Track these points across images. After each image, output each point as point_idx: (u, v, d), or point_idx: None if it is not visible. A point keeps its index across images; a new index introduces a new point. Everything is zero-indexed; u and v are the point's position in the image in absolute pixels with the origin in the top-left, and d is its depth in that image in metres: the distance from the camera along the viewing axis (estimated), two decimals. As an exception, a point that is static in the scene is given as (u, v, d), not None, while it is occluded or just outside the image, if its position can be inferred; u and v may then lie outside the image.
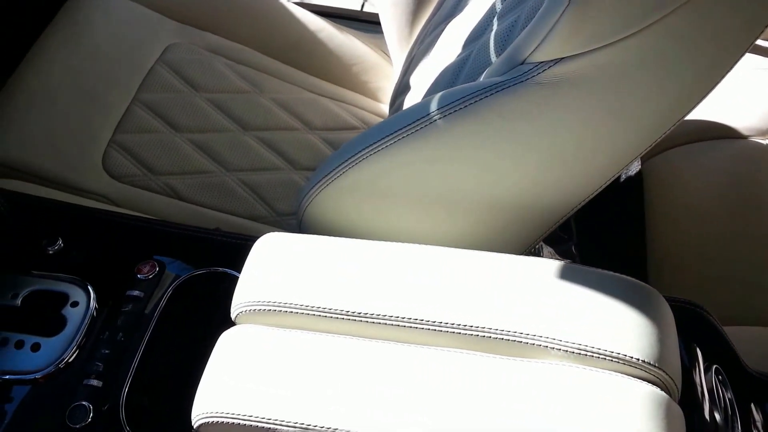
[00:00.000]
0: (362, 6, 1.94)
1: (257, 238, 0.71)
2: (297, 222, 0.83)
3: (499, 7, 0.87)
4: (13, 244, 0.89)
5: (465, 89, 0.68)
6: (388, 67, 1.30)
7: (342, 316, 0.63)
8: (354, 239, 0.69)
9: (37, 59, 1.16)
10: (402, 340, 0.62)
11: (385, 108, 1.28)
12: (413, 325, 0.61)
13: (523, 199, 0.76)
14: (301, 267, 0.67)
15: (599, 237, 1.22)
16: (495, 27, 0.84)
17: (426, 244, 0.68)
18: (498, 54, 0.80)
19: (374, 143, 0.71)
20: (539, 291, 0.62)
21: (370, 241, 0.69)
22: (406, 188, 0.75)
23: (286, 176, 1.12)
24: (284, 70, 1.26)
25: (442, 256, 0.67)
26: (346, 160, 0.73)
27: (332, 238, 0.70)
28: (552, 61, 0.63)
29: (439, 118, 0.68)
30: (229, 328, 0.66)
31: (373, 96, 1.29)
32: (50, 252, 0.87)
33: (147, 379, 0.77)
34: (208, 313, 0.82)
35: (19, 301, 0.82)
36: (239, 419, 0.59)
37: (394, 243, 0.68)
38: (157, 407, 0.77)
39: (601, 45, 0.61)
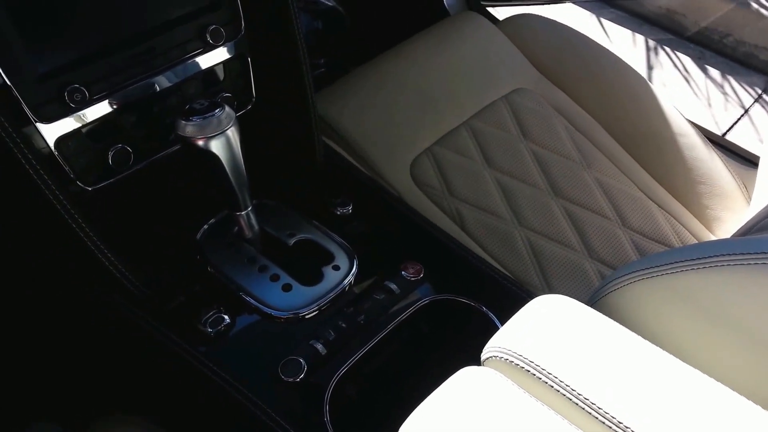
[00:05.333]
0: (724, 133, 1.77)
1: (534, 294, 0.62)
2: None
3: None
4: (311, 191, 0.91)
5: None
6: (741, 201, 1.13)
7: (605, 420, 0.51)
8: (653, 345, 0.57)
9: (404, 53, 1.22)
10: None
11: (714, 241, 1.10)
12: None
13: None
14: (582, 344, 0.57)
15: None
16: None
17: (737, 392, 0.53)
18: None
19: (740, 254, 0.57)
20: None
21: (671, 356, 0.56)
22: (750, 322, 0.59)
23: (576, 258, 1.01)
24: (621, 157, 1.16)
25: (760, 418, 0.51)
26: (692, 259, 0.60)
27: (629, 330, 0.58)
28: None
29: None
30: (466, 365, 0.58)
31: (706, 223, 1.12)
32: (338, 213, 0.88)
33: (365, 373, 0.72)
34: (449, 341, 0.76)
35: (292, 242, 0.83)
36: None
37: (697, 371, 0.54)
38: (360, 405, 0.71)
39: None
